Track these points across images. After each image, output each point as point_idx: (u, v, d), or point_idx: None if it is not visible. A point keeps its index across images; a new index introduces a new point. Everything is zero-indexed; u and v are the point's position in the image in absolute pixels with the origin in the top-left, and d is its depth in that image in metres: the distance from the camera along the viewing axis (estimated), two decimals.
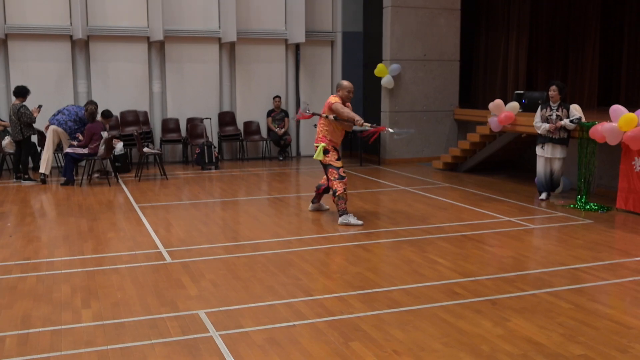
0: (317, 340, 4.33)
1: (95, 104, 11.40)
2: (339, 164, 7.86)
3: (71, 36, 12.76)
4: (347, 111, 7.73)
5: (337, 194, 7.75)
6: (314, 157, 7.98)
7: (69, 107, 11.42)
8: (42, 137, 11.83)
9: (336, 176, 7.79)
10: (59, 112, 11.31)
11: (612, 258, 6.37)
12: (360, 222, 7.72)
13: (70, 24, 12.69)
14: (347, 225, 7.66)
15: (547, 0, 15.65)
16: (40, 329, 4.54)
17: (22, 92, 10.91)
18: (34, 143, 11.88)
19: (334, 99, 7.81)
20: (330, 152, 7.86)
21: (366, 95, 14.60)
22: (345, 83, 7.93)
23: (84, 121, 11.15)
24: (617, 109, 8.39)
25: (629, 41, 15.83)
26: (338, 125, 7.89)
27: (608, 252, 6.58)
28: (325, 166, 7.92)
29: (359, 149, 13.65)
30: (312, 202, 8.60)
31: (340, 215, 7.77)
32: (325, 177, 8.15)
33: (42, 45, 12.68)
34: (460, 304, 5.01)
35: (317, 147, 7.94)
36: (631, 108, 8.58)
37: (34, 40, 12.61)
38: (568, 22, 15.86)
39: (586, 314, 4.79)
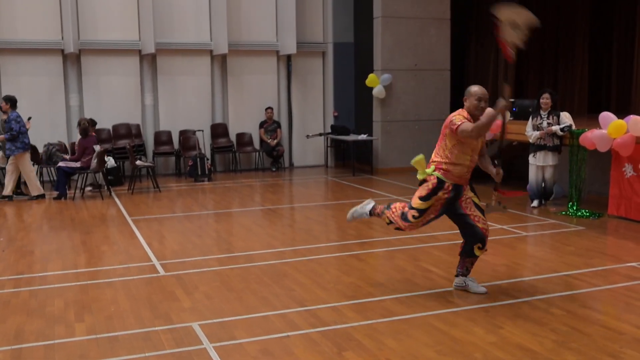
0: (310, 350, 4.34)
1: (88, 121, 11.38)
2: (418, 204, 5.29)
3: (63, 50, 12.77)
4: (480, 122, 5.14)
5: (389, 221, 5.49)
6: (418, 177, 5.42)
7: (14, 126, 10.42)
8: (34, 151, 11.80)
9: (405, 209, 5.37)
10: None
11: (604, 264, 6.41)
12: (366, 210, 5.67)
13: (62, 38, 12.71)
14: (352, 217, 5.77)
15: (536, 8, 15.74)
16: (34, 344, 4.53)
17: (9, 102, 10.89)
18: None
19: (457, 118, 5.18)
20: (427, 184, 5.30)
21: (358, 105, 14.65)
22: (475, 88, 5.36)
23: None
24: (606, 116, 8.45)
25: (619, 48, 15.96)
26: (468, 149, 5.27)
27: (600, 259, 6.61)
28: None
29: (351, 157, 13.68)
30: (457, 272, 5.63)
31: (369, 212, 5.68)
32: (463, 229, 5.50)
33: (34, 60, 12.69)
34: (453, 312, 5.03)
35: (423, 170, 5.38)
36: (620, 115, 8.65)
37: (25, 54, 12.62)
38: (557, 30, 15.98)
39: (578, 320, 4.82)
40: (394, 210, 5.44)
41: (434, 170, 5.29)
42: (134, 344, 4.49)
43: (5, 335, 4.69)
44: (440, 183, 5.23)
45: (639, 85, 15.86)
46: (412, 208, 5.31)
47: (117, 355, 4.30)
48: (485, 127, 5.10)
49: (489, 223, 5.53)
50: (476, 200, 5.42)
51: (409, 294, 5.52)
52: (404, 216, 5.34)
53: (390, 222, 5.46)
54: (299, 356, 4.25)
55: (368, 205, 5.68)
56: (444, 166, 5.26)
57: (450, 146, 5.25)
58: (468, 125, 5.09)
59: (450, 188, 5.25)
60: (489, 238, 5.42)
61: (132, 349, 4.40)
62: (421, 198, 5.27)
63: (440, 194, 5.25)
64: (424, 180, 5.32)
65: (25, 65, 12.67)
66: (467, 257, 5.48)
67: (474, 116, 5.24)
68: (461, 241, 5.54)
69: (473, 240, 5.38)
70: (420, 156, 5.35)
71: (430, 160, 5.39)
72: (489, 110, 5.16)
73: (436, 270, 6.23)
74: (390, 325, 4.77)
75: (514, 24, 5.31)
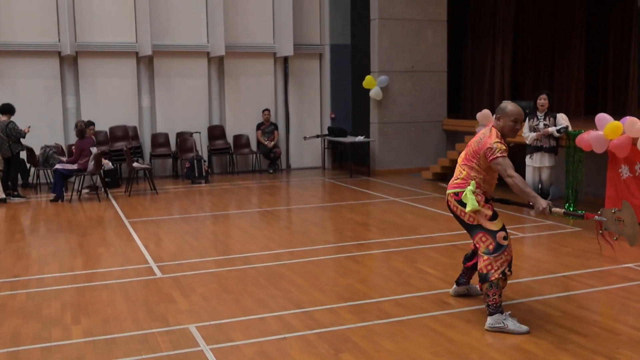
0: (307, 352, 4.34)
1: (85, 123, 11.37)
2: (495, 225, 4.76)
3: (60, 52, 12.77)
4: (520, 181, 4.64)
5: (489, 279, 4.68)
6: (468, 209, 4.77)
7: None
8: (31, 153, 11.80)
9: (491, 247, 4.71)
10: None
11: (600, 265, 6.42)
12: (524, 327, 4.63)
13: (59, 40, 12.70)
14: (502, 332, 4.65)
15: (533, 10, 15.83)
16: (30, 346, 4.52)
17: (8, 110, 10.94)
18: (23, 160, 11.86)
19: (498, 148, 4.69)
20: (482, 206, 4.80)
21: (355, 107, 14.66)
22: (511, 107, 4.87)
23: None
24: (602, 118, 8.46)
25: (614, 49, 16.03)
26: (493, 178, 4.97)
27: (596, 260, 6.63)
28: (470, 227, 4.87)
29: (348, 159, 13.69)
30: (457, 282, 5.46)
31: (490, 314, 4.73)
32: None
33: (31, 62, 12.67)
34: (450, 314, 5.04)
35: (454, 193, 4.89)
36: (617, 116, 8.67)
37: (22, 57, 12.60)
38: (553, 32, 16.03)
39: (575, 321, 4.83)
40: (486, 265, 4.71)
41: (477, 193, 4.80)
42: (130, 347, 4.49)
43: (2, 338, 4.69)
44: (485, 198, 4.85)
45: (634, 87, 15.91)
46: (494, 233, 4.72)
47: (113, 358, 4.30)
48: (518, 191, 4.65)
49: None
50: None
51: (406, 295, 5.52)
52: (498, 248, 4.69)
53: (488, 277, 4.69)
54: (296, 358, 4.25)
55: (500, 318, 4.70)
56: (480, 184, 4.84)
57: (485, 167, 4.83)
58: (507, 165, 4.66)
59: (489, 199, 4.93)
60: None
61: (129, 352, 4.40)
62: (493, 218, 4.77)
63: (491, 203, 4.90)
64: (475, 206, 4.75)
65: (22, 67, 12.66)
66: (476, 269, 5.03)
67: (504, 136, 4.84)
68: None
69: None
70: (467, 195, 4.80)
71: (466, 178, 4.86)
72: (532, 194, 4.64)
73: (433, 271, 6.24)
74: (386, 327, 4.78)
75: (619, 219, 4.86)
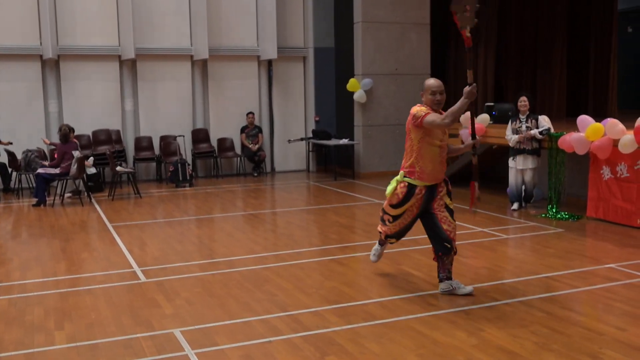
0: (293, 355, 4.33)
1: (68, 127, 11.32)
2: (395, 210, 5.51)
3: (41, 56, 12.66)
4: (452, 111, 5.08)
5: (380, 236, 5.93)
6: (386, 193, 5.58)
7: None
8: (12, 158, 11.68)
9: (381, 214, 5.75)
10: None
11: (584, 266, 6.47)
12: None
13: (40, 43, 12.59)
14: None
15: (515, 13, 15.94)
16: (13, 353, 4.48)
17: None
18: (5, 164, 11.75)
19: (420, 111, 5.24)
20: (398, 190, 5.43)
21: (339, 110, 14.68)
22: (429, 81, 5.40)
23: None
24: (584, 120, 8.55)
25: (595, 52, 16.19)
26: (432, 146, 5.30)
27: (579, 260, 6.68)
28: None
29: (332, 162, 13.70)
30: (439, 279, 5.63)
31: (378, 243, 6.06)
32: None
33: (12, 65, 12.55)
34: (435, 315, 5.05)
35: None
36: (598, 118, 8.76)
37: (3, 60, 12.47)
38: (535, 35, 16.16)
39: (559, 322, 4.86)
40: (380, 226, 5.86)
41: (405, 176, 5.40)
42: (114, 352, 4.46)
43: None
44: (411, 188, 5.37)
45: (615, 89, 16.08)
46: (385, 213, 5.63)
47: None
48: (458, 112, 5.06)
49: (457, 224, 5.68)
50: (448, 201, 5.48)
51: (391, 297, 5.54)
52: (382, 220, 5.72)
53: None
54: None
55: None
56: (416, 168, 5.33)
57: (417, 141, 5.30)
58: (436, 115, 5.16)
59: (423, 192, 5.39)
60: (455, 241, 5.49)
61: (113, 357, 4.37)
62: (392, 205, 5.50)
63: (412, 200, 5.41)
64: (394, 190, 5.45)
65: (3, 71, 12.52)
66: (443, 254, 5.44)
67: (433, 111, 5.28)
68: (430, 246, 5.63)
69: (439, 240, 5.42)
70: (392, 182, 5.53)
71: (401, 167, 5.47)
72: (460, 102, 5.08)
73: (417, 273, 6.25)
74: (372, 329, 4.78)
75: (462, 9, 5.25)
